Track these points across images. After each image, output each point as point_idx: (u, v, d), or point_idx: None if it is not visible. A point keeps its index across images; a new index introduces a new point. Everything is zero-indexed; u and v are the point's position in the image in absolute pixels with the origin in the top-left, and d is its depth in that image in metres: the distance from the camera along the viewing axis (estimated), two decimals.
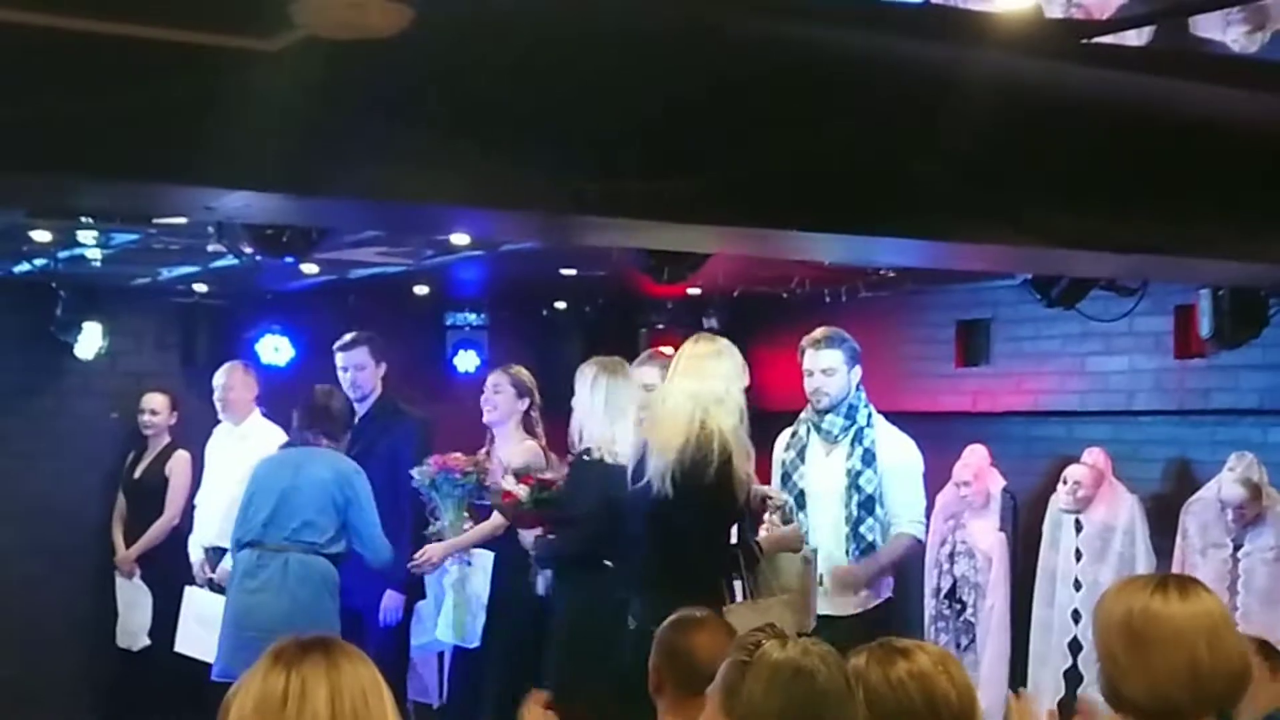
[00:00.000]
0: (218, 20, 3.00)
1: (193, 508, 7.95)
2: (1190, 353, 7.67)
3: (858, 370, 5.84)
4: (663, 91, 3.56)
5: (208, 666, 6.65)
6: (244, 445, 7.57)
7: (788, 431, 6.03)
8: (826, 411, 5.86)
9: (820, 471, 5.85)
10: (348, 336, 7.21)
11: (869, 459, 5.75)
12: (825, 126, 3.78)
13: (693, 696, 3.51)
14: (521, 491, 6.13)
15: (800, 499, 5.87)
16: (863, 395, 5.87)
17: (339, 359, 7.17)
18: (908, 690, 2.98)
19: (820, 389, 5.84)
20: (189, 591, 7.37)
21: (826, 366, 5.83)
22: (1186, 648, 2.87)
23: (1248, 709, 3.16)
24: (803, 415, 5.95)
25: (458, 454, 6.66)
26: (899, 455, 5.82)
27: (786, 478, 5.95)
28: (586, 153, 3.52)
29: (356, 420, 7.13)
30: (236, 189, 3.29)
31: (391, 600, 6.82)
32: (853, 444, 5.79)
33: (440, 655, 7.59)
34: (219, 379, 7.70)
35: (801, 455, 5.92)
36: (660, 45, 3.55)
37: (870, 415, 5.85)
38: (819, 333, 5.90)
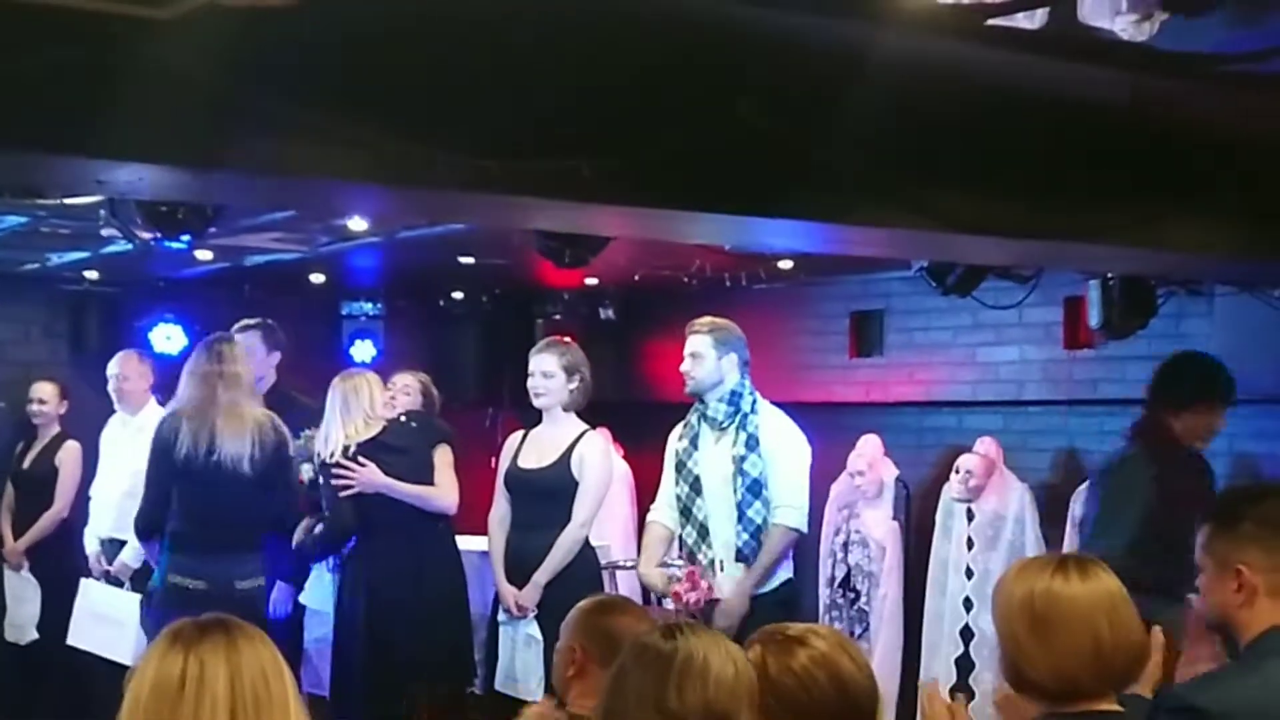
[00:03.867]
0: None
1: (87, 499, 7.80)
2: (1079, 344, 7.79)
3: (733, 358, 5.90)
4: (566, 70, 3.55)
5: (99, 660, 6.52)
6: (140, 436, 7.43)
7: (681, 423, 6.10)
8: (697, 395, 5.94)
9: (710, 458, 5.92)
10: (243, 322, 7.12)
11: (753, 444, 5.82)
12: (725, 107, 3.78)
13: None
14: (306, 474, 6.59)
15: (696, 485, 5.91)
16: (747, 383, 5.94)
17: None
18: (814, 677, 2.97)
19: (686, 372, 5.94)
20: (84, 584, 7.23)
21: (694, 350, 5.92)
22: (1089, 627, 2.89)
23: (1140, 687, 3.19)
24: (695, 406, 6.01)
25: None
26: (781, 440, 5.88)
27: (681, 466, 6.00)
28: (488, 130, 3.49)
29: None
30: (128, 161, 3.21)
31: (280, 592, 6.72)
32: (738, 430, 5.86)
33: None
34: (113, 368, 7.56)
35: (694, 443, 5.99)
36: (565, 24, 3.53)
37: (755, 402, 5.92)
38: (697, 320, 5.98)
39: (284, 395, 7.10)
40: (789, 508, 5.80)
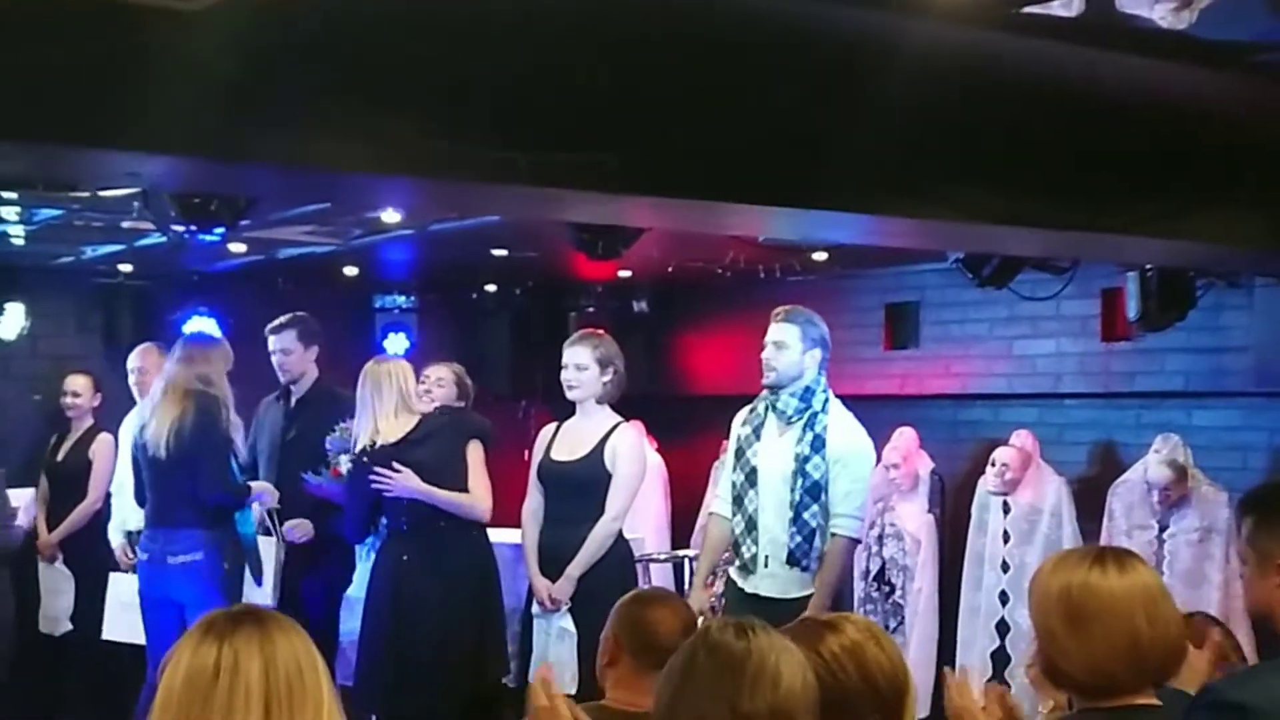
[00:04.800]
0: None
1: (109, 493, 7.83)
2: (1116, 336, 7.74)
3: (817, 352, 5.79)
4: (595, 62, 3.53)
5: (132, 651, 6.61)
6: None
7: (747, 408, 6.00)
8: (775, 388, 5.83)
9: (772, 451, 5.81)
10: (279, 319, 7.14)
11: (818, 445, 5.71)
12: (757, 99, 3.77)
13: (647, 670, 3.49)
14: (346, 468, 6.53)
15: (751, 476, 5.84)
16: (823, 380, 5.82)
17: (269, 341, 7.10)
18: (842, 664, 2.94)
19: (768, 360, 5.81)
20: (113, 578, 7.26)
21: (778, 339, 5.79)
22: (1126, 621, 2.84)
23: (1179, 682, 3.16)
24: (764, 394, 5.91)
25: None
26: (848, 446, 5.76)
27: (740, 453, 5.91)
28: (517, 122, 3.48)
29: (291, 404, 7.10)
30: (159, 153, 3.22)
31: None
32: (805, 428, 5.75)
33: None
34: (133, 361, 7.55)
35: (757, 432, 5.88)
36: (594, 16, 3.52)
37: (826, 402, 5.80)
38: (783, 307, 5.88)
39: (326, 390, 7.10)
40: (849, 517, 5.70)
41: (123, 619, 7.00)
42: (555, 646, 5.95)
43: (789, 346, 5.76)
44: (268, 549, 6.73)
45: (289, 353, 7.00)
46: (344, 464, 6.56)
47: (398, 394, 6.39)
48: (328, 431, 6.76)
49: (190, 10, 2.92)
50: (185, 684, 2.35)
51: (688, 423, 9.28)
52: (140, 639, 6.65)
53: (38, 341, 8.76)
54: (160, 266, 8.68)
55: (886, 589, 8.08)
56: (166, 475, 6.43)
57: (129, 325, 9.04)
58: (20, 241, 7.46)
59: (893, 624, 7.90)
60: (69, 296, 9.09)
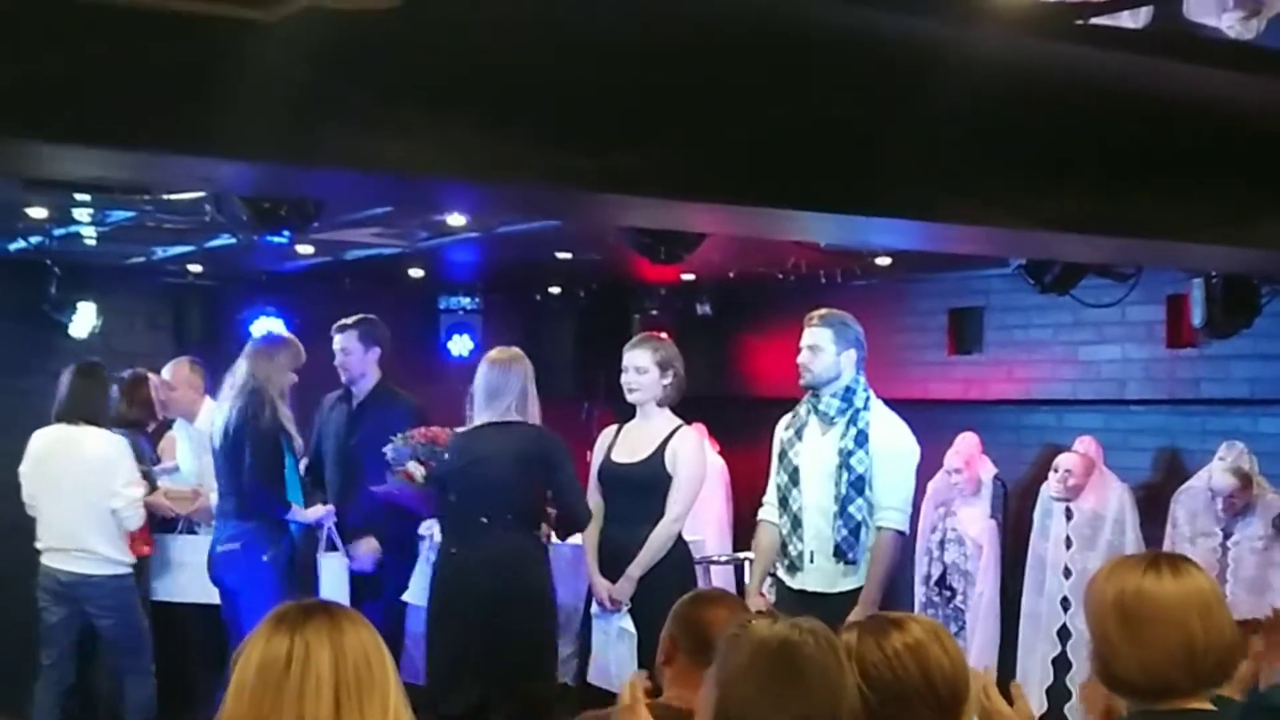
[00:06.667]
0: None
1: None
2: (1181, 342, 7.70)
3: (852, 353, 5.83)
4: (660, 68, 3.56)
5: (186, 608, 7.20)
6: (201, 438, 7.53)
7: (790, 413, 6.05)
8: (811, 389, 5.88)
9: (813, 450, 5.86)
10: (344, 319, 7.23)
11: (861, 440, 5.76)
12: (819, 105, 3.78)
13: (701, 669, 3.54)
14: (419, 473, 6.57)
15: (795, 475, 5.88)
16: (862, 379, 5.86)
17: (333, 340, 7.21)
18: (903, 662, 2.98)
19: (804, 364, 5.87)
20: (160, 540, 7.43)
21: (812, 343, 5.85)
22: (1181, 626, 2.85)
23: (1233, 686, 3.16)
24: (805, 397, 5.97)
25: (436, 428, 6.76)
26: (891, 439, 5.81)
27: (783, 455, 5.96)
28: (581, 128, 3.52)
29: (354, 405, 7.18)
30: (233, 159, 3.28)
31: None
32: (848, 425, 5.79)
33: None
34: (165, 374, 7.61)
35: (799, 434, 5.93)
36: (660, 22, 3.55)
37: (868, 399, 5.85)
38: (817, 311, 5.92)
39: (386, 392, 7.19)
40: (893, 510, 5.74)
41: (170, 581, 7.39)
42: (615, 647, 5.99)
43: (823, 349, 5.82)
44: (332, 565, 6.86)
45: (348, 353, 7.10)
46: (415, 469, 6.61)
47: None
48: (392, 431, 6.84)
49: (265, 20, 2.98)
50: (258, 674, 2.42)
51: (750, 425, 9.23)
52: (185, 598, 7.18)
53: (109, 339, 8.87)
54: (229, 267, 8.79)
55: (948, 593, 8.08)
56: (218, 467, 6.77)
57: (198, 324, 9.17)
58: (92, 242, 7.57)
59: (954, 629, 7.88)
60: (139, 296, 9.22)
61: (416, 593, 6.86)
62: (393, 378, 7.34)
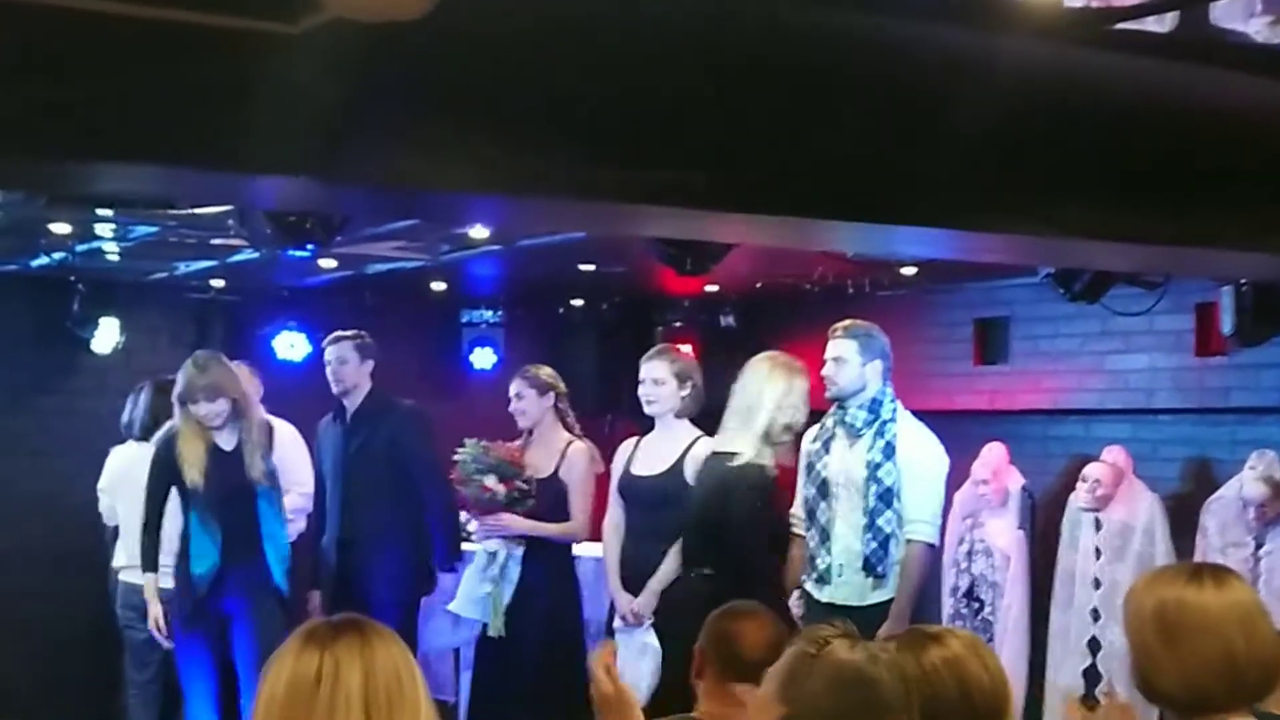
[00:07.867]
0: (242, 3, 2.97)
1: None
2: (1210, 351, 7.65)
3: (878, 364, 5.81)
4: (682, 80, 3.53)
5: None
6: None
7: (817, 424, 6.02)
8: (836, 401, 5.86)
9: (840, 463, 5.83)
10: (335, 334, 7.28)
11: (889, 452, 5.73)
12: (846, 114, 3.76)
13: (732, 683, 3.54)
14: (500, 491, 6.52)
15: (823, 488, 5.85)
16: (889, 391, 5.84)
17: (325, 352, 7.25)
18: (941, 676, 2.94)
19: (828, 376, 5.85)
20: None
21: (836, 355, 5.83)
22: (1222, 637, 2.82)
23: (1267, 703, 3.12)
24: (832, 408, 5.94)
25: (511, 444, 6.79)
26: (919, 451, 5.78)
27: (810, 467, 5.94)
28: (603, 140, 3.50)
29: (349, 416, 7.19)
30: (263, 174, 3.27)
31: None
32: (875, 436, 5.77)
33: (456, 651, 7.59)
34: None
35: (826, 446, 5.90)
36: (682, 34, 3.53)
37: (895, 410, 5.82)
38: (842, 322, 5.90)
39: (381, 399, 7.24)
40: (922, 522, 5.71)
41: None
42: (637, 661, 5.96)
43: (848, 361, 5.80)
44: None
45: (345, 362, 7.17)
46: (495, 486, 6.58)
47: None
48: (393, 436, 6.88)
49: (290, 34, 2.96)
50: (287, 691, 2.40)
51: None
52: None
53: (132, 355, 8.88)
54: (252, 282, 8.80)
55: (976, 605, 8.03)
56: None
57: (221, 339, 9.13)
58: (115, 258, 7.59)
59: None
60: (162, 311, 9.23)
61: (463, 603, 6.82)
62: (414, 391, 7.36)
